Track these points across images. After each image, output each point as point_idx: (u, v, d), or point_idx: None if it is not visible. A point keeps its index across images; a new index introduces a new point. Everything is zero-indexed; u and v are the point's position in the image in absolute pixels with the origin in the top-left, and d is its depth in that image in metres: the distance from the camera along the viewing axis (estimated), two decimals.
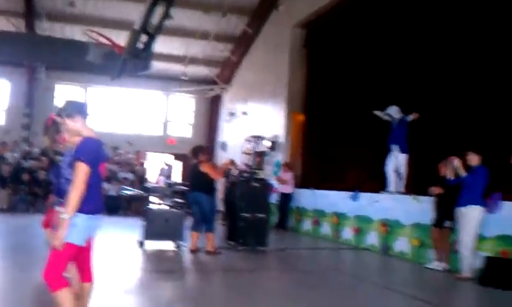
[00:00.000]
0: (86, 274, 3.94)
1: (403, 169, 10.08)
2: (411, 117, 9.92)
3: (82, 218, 3.57)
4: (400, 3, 11.31)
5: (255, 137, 17.05)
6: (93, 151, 3.67)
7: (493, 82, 8.86)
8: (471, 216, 7.34)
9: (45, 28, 17.49)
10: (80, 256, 3.78)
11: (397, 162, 10.10)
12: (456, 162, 7.76)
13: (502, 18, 8.69)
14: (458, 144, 9.43)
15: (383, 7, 11.88)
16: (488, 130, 8.94)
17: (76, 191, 3.50)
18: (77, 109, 3.87)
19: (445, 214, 7.99)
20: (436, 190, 8.15)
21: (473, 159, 7.66)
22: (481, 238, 7.57)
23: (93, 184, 3.61)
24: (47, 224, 6.78)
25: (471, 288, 6.83)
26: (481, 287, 6.77)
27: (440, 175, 8.16)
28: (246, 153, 17.33)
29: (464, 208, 7.39)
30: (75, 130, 3.78)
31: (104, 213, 13.30)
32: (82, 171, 3.54)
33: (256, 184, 9.66)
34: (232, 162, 11.17)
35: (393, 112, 10.15)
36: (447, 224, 7.96)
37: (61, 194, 3.77)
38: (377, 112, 10.57)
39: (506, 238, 7.18)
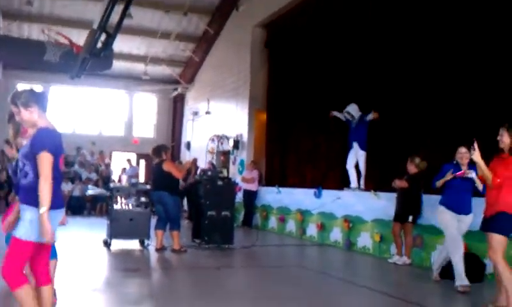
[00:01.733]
0: (43, 276, 3.63)
1: (363, 166, 10.27)
2: (370, 116, 10.09)
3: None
4: (358, 2, 11.53)
5: (218, 136, 17.12)
6: (53, 141, 3.47)
7: (452, 80, 9.13)
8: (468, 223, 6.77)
9: (2, 27, 17.10)
10: (38, 255, 3.54)
11: (356, 158, 10.29)
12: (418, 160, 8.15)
13: (462, 15, 8.95)
14: (416, 141, 9.73)
15: (341, 7, 12.10)
16: (447, 127, 9.19)
17: (46, 182, 3.31)
18: (33, 98, 3.58)
19: (409, 209, 8.19)
20: (401, 183, 8.27)
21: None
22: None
23: (54, 177, 3.40)
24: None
25: (432, 282, 7.04)
26: (441, 280, 6.98)
27: (408, 172, 8.36)
28: (211, 152, 17.38)
29: (469, 215, 6.68)
30: (31, 121, 3.55)
31: (69, 213, 13.25)
32: (47, 161, 3.36)
33: (221, 182, 9.72)
34: (195, 161, 11.21)
35: (353, 110, 10.32)
36: (410, 218, 8.16)
37: (18, 189, 3.59)
38: (336, 113, 10.78)
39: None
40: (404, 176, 8.33)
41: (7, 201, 7.00)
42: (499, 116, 8.02)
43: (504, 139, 5.21)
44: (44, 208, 3.30)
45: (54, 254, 4.67)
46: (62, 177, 3.73)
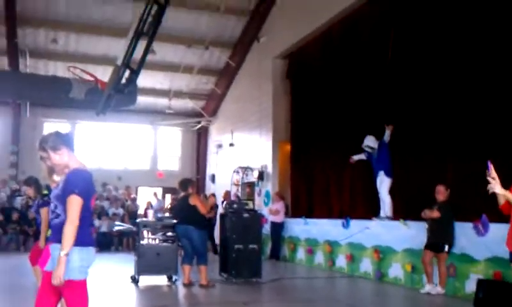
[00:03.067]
0: None
1: (386, 194, 10.08)
2: (387, 134, 9.98)
3: (77, 251, 3.37)
4: (377, 30, 11.52)
5: (242, 168, 17.10)
6: (85, 182, 3.48)
7: (472, 107, 8.97)
8: None
9: (29, 65, 17.52)
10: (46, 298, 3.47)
11: (382, 186, 10.13)
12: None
13: (475, 27, 8.85)
14: (441, 166, 9.54)
15: (361, 36, 12.11)
16: (469, 151, 9.01)
17: (71, 226, 3.32)
18: (61, 140, 3.59)
19: (444, 238, 8.00)
20: (432, 213, 8.10)
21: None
22: (472, 260, 7.63)
23: (85, 217, 3.43)
24: (34, 261, 6.59)
25: None
26: None
27: (437, 200, 8.24)
28: (235, 185, 17.35)
29: None
30: (62, 163, 3.55)
31: (96, 249, 13.26)
32: (76, 204, 3.36)
33: (247, 215, 9.65)
34: (213, 196, 11.22)
35: (371, 142, 10.24)
36: (446, 248, 7.94)
37: (51, 229, 3.58)
38: (356, 157, 10.75)
39: (497, 260, 7.21)
40: (435, 205, 8.16)
41: (36, 237, 7.05)
42: None
43: None
44: (65, 251, 3.29)
45: None
46: (92, 216, 3.72)
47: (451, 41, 9.40)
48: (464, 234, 7.87)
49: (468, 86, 8.98)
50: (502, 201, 4.66)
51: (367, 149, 10.35)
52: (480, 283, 7.08)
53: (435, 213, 8.07)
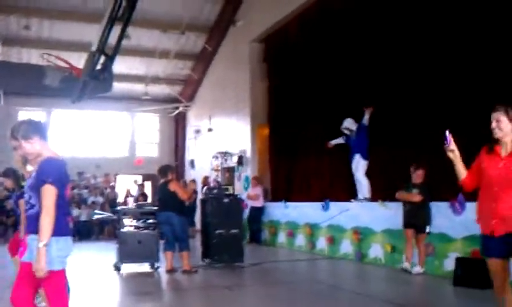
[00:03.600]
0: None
1: (362, 176, 10.17)
2: (366, 117, 10.04)
3: (54, 241, 3.33)
4: (355, 11, 11.55)
5: (221, 153, 17.09)
6: (58, 171, 3.42)
7: (454, 86, 9.08)
8: None
9: (1, 53, 17.16)
10: (21, 287, 3.45)
11: (358, 168, 10.22)
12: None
13: (462, 13, 8.93)
14: (418, 146, 9.66)
15: (338, 17, 12.12)
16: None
17: (47, 216, 3.27)
18: (32, 129, 3.50)
19: (426, 219, 8.07)
20: (415, 197, 8.12)
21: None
22: (450, 239, 7.77)
23: (60, 206, 3.39)
24: (14, 251, 6.48)
25: (447, 289, 6.96)
26: (456, 288, 6.91)
27: (415, 182, 8.31)
28: (215, 170, 17.33)
29: None
30: (34, 152, 3.49)
31: (76, 238, 13.26)
32: (50, 194, 3.31)
33: (227, 200, 9.67)
34: (194, 182, 11.18)
35: (349, 124, 10.30)
36: (428, 229, 8.04)
37: (26, 220, 3.54)
38: (334, 141, 10.80)
39: (474, 238, 7.35)
40: (413, 188, 8.22)
41: (15, 228, 6.98)
42: None
43: (503, 125, 3.98)
44: (43, 242, 3.25)
45: None
46: (68, 206, 3.66)
47: (429, 19, 9.46)
48: (442, 213, 8.00)
49: (446, 65, 9.06)
50: (461, 174, 4.35)
51: (345, 131, 10.41)
52: (458, 261, 7.24)
53: (417, 197, 8.11)
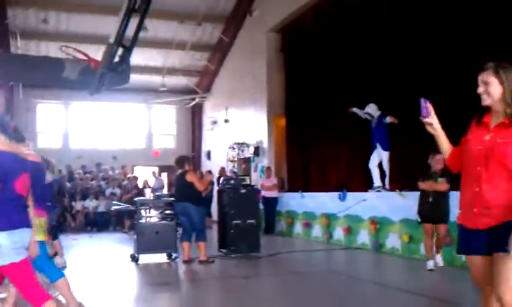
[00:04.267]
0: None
1: (386, 166, 10.14)
2: (388, 119, 9.94)
3: (6, 236, 3.35)
4: (374, 3, 11.45)
5: (238, 143, 17.10)
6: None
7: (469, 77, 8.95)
8: None
9: (20, 46, 17.33)
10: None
11: (379, 159, 10.17)
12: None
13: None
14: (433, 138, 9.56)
15: (355, 7, 12.02)
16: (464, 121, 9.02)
17: None
18: None
19: (448, 209, 7.60)
20: (442, 186, 7.47)
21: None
22: None
23: (9, 200, 3.41)
24: None
25: (465, 280, 6.89)
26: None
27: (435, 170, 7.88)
28: (231, 161, 17.36)
29: None
30: None
31: (95, 230, 13.43)
32: None
33: (244, 190, 9.68)
34: (210, 173, 11.21)
35: (372, 109, 10.21)
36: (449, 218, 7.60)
37: None
38: (355, 110, 10.64)
39: None
40: (435, 176, 7.84)
41: None
42: None
43: (493, 89, 3.04)
44: None
45: (58, 274, 4.72)
46: (23, 198, 3.62)
47: (444, 7, 9.36)
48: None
49: (461, 53, 8.95)
50: (445, 152, 3.48)
51: (366, 116, 10.31)
52: None
53: (444, 186, 7.49)
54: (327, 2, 13.13)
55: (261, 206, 13.35)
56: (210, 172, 12.00)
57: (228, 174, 15.66)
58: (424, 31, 9.91)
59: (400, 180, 10.08)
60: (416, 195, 8.70)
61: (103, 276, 7.71)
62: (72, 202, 16.77)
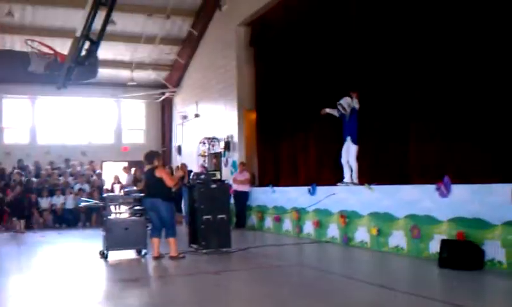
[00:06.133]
0: None
1: (353, 161, 10.18)
2: (355, 100, 9.97)
3: None
4: None
5: (209, 138, 17.05)
6: None
7: (439, 71, 9.11)
8: None
9: None
10: None
11: (348, 153, 10.24)
12: None
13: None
14: (404, 132, 9.72)
15: (325, 2, 12.09)
16: (434, 118, 9.18)
17: None
18: None
19: None
20: None
21: None
22: (436, 221, 7.83)
23: None
24: None
25: (433, 271, 7.04)
26: (441, 270, 6.98)
27: None
28: (202, 155, 17.30)
29: None
30: None
31: (64, 226, 13.24)
32: None
33: (214, 185, 9.65)
34: (184, 166, 11.09)
35: (345, 102, 10.24)
36: None
37: None
38: (329, 110, 10.69)
39: (459, 220, 7.43)
40: None
41: None
42: (488, 107, 8.06)
43: None
44: None
45: None
46: None
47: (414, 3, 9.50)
48: (428, 196, 8.05)
49: (430, 48, 9.11)
50: None
51: (339, 107, 10.29)
52: (444, 243, 7.30)
53: None
54: None
55: (232, 200, 13.37)
56: (184, 165, 11.76)
57: (199, 169, 15.62)
58: (392, 26, 10.04)
59: (369, 174, 10.20)
60: (383, 188, 8.85)
61: (71, 273, 7.61)
62: (38, 198, 16.48)
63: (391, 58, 10.08)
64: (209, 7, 17.35)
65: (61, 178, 18.09)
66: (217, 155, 16.95)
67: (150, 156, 9.07)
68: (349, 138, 10.19)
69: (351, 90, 10.08)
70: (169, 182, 8.71)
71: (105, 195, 10.06)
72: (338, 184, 10.42)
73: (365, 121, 10.24)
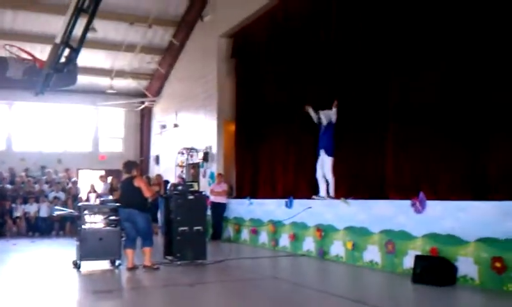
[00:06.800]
0: None
1: (329, 174, 10.18)
2: (334, 110, 10.03)
3: None
4: (320, 7, 11.65)
5: (187, 149, 16.99)
6: None
7: (414, 88, 9.20)
8: None
9: None
10: None
11: (323, 166, 10.25)
12: None
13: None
14: (380, 147, 9.79)
15: (306, 14, 12.20)
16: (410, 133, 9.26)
17: None
18: None
19: None
20: None
21: None
22: (410, 237, 7.89)
23: None
24: None
25: (406, 287, 7.09)
26: (414, 285, 7.03)
27: None
28: (180, 166, 17.22)
29: None
30: None
31: (37, 235, 13.04)
32: None
33: (191, 196, 9.60)
34: (159, 177, 10.99)
35: (324, 114, 10.25)
36: None
37: None
38: (310, 111, 10.62)
39: (433, 236, 7.51)
40: None
41: None
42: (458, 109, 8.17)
43: None
44: None
45: None
46: None
47: (392, 18, 9.62)
48: (403, 211, 8.12)
49: (407, 62, 9.20)
50: None
51: (319, 116, 10.31)
52: (417, 258, 7.36)
53: None
54: (277, 10, 13.27)
55: (209, 212, 13.31)
56: (160, 176, 11.71)
57: (176, 179, 15.55)
58: (371, 40, 10.14)
59: (345, 188, 10.24)
60: (359, 202, 8.91)
61: (42, 283, 7.49)
62: (12, 205, 16.23)
63: (370, 70, 10.15)
64: (191, 17, 17.37)
65: (36, 185, 17.84)
66: (196, 166, 16.90)
67: (129, 165, 9.02)
68: (322, 151, 10.20)
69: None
70: (147, 193, 8.66)
71: (80, 204, 9.92)
72: (314, 197, 10.41)
73: (343, 134, 10.30)
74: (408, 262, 7.77)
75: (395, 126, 9.48)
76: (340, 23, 11.01)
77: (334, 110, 10.04)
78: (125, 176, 9.01)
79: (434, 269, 7.00)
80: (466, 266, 6.92)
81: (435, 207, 7.62)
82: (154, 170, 20.36)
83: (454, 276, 7.02)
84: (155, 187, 10.16)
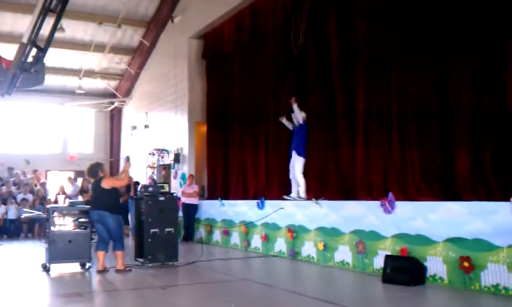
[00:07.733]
0: None
1: (299, 174, 10.26)
2: (295, 107, 10.11)
3: None
4: (287, 10, 11.73)
5: (158, 150, 16.89)
6: None
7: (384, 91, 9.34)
8: None
9: None
10: None
11: (294, 167, 10.32)
12: None
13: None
14: (351, 148, 9.90)
15: (271, 17, 12.31)
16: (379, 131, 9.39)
17: None
18: None
19: None
20: None
21: None
22: (380, 237, 8.01)
23: None
24: None
25: (376, 286, 7.18)
26: (385, 285, 7.13)
27: None
28: (151, 167, 17.10)
29: None
30: None
31: (5, 237, 12.78)
32: None
33: (162, 198, 9.55)
34: (127, 164, 10.67)
35: (297, 115, 10.30)
36: None
37: None
38: (284, 121, 10.74)
39: (403, 236, 7.63)
40: None
41: None
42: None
43: None
44: None
45: None
46: None
47: (359, 19, 9.75)
48: (373, 212, 8.23)
49: (377, 62, 9.34)
50: None
51: (293, 120, 10.40)
52: (387, 258, 7.47)
53: None
54: (245, 12, 13.32)
55: (180, 213, 13.25)
56: (127, 159, 11.33)
57: (148, 181, 15.43)
58: (339, 43, 10.25)
59: (316, 189, 10.32)
60: (330, 203, 8.99)
61: (10, 286, 7.35)
62: None
63: (339, 72, 10.27)
64: (161, 18, 17.28)
65: (3, 187, 17.48)
66: (167, 167, 16.81)
67: (93, 170, 8.86)
68: (294, 152, 10.29)
69: (289, 99, 10.27)
70: (120, 184, 8.65)
71: (48, 206, 9.76)
72: (284, 197, 10.46)
73: (313, 135, 10.39)
74: (379, 262, 7.88)
75: (365, 127, 9.60)
76: (310, 25, 11.09)
77: (295, 106, 10.09)
78: (92, 180, 8.92)
79: (404, 269, 7.11)
80: (435, 265, 7.05)
81: (404, 208, 7.73)
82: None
83: (423, 276, 7.14)
84: (124, 174, 9.84)
